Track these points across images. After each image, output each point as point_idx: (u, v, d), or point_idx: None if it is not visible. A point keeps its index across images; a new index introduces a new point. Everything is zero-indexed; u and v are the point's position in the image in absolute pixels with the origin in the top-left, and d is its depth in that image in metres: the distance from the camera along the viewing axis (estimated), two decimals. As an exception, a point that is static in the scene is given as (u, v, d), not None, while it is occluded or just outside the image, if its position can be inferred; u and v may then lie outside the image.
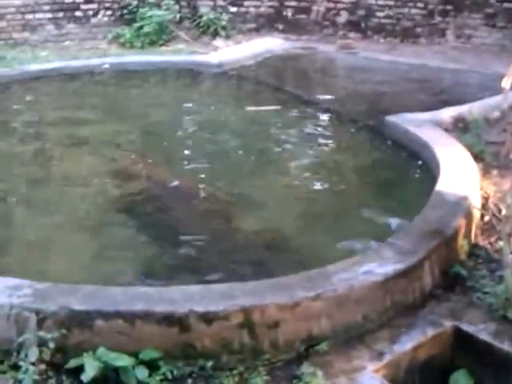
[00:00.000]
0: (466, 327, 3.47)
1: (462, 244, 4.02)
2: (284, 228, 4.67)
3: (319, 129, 6.93)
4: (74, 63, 9.21)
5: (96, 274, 4.02)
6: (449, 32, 10.53)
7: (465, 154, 5.14)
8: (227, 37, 11.18)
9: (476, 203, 4.39)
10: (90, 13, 11.16)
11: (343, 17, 11.31)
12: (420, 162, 5.53)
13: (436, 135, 5.73)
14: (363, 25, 11.16)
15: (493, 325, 3.49)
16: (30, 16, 10.77)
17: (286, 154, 6.17)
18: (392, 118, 6.34)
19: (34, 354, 3.06)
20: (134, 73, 8.95)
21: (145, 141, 6.51)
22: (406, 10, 10.84)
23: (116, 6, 11.26)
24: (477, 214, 4.36)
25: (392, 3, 10.92)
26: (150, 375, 3.08)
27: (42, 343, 3.09)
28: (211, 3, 11.57)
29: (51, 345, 3.08)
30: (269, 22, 11.60)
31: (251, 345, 3.22)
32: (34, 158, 6.16)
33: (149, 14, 10.88)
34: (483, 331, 3.43)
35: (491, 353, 3.35)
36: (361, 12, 11.19)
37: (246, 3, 11.64)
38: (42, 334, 3.10)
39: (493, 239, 4.28)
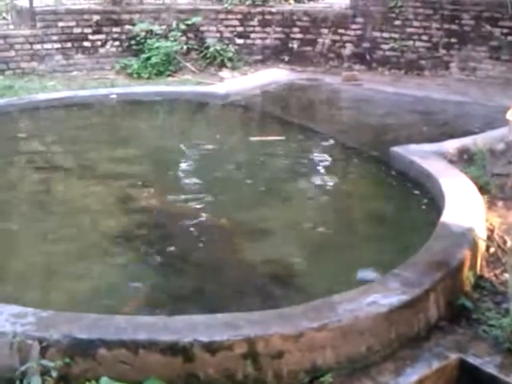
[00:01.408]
0: (471, 360, 3.43)
1: (468, 276, 4.01)
2: (289, 258, 4.66)
3: (324, 159, 6.95)
4: (82, 93, 9.30)
5: (99, 303, 4.01)
6: (453, 64, 10.61)
7: (470, 186, 5.15)
8: (233, 68, 11.29)
9: (481, 235, 4.38)
10: (98, 43, 11.29)
11: (348, 49, 11.42)
12: (425, 193, 5.53)
13: (441, 166, 5.74)
14: (368, 57, 11.27)
15: (498, 358, 3.46)
16: (38, 46, 10.89)
17: (290, 184, 6.19)
18: (397, 149, 6.36)
19: (36, 382, 3.03)
20: (140, 103, 9.02)
21: (150, 170, 6.54)
22: (410, 43, 10.94)
23: (124, 36, 11.38)
24: (482, 245, 4.35)
25: (397, 36, 11.03)
26: (153, 405, 3.06)
27: (44, 372, 3.07)
28: (218, 35, 11.70)
29: (54, 373, 3.05)
30: (275, 54, 11.72)
31: (255, 375, 3.20)
32: (39, 186, 6.18)
33: (156, 45, 11.00)
34: (489, 364, 3.40)
35: (497, 386, 3.32)
36: (366, 44, 11.31)
37: (252, 35, 11.77)
38: (45, 362, 3.08)
39: (498, 271, 4.26)
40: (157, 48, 10.95)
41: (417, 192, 5.65)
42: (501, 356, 3.47)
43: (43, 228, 5.24)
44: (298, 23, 11.66)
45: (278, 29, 11.72)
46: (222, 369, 3.16)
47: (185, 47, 11.40)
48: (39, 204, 5.75)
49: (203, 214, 5.46)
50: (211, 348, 3.14)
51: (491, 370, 3.36)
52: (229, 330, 3.21)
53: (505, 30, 10.11)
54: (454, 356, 3.46)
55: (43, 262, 4.63)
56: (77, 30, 11.16)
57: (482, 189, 5.26)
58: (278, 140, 7.43)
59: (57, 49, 11.01)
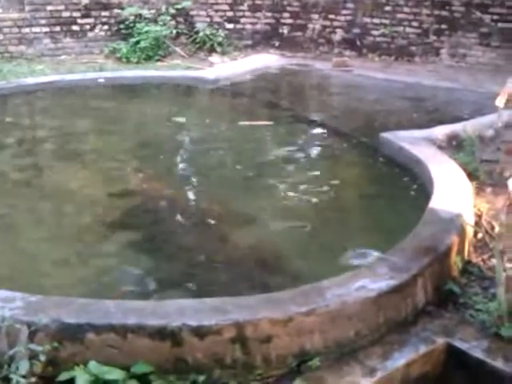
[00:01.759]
0: (458, 344, 3.46)
1: (455, 261, 4.03)
2: (278, 243, 4.67)
3: (313, 145, 6.95)
4: (70, 77, 9.25)
5: (88, 287, 4.01)
6: (443, 51, 10.61)
7: (459, 172, 5.16)
8: (223, 53, 11.25)
9: (469, 220, 4.41)
10: (87, 27, 11.22)
11: (339, 35, 11.40)
12: (414, 179, 5.55)
13: (430, 153, 5.75)
14: (358, 43, 11.25)
15: (485, 342, 3.48)
16: (26, 30, 10.82)
17: (279, 169, 6.19)
18: (386, 135, 6.37)
19: (24, 366, 3.04)
20: (129, 87, 8.98)
21: (139, 155, 6.52)
22: (400, 29, 10.93)
23: (113, 20, 11.31)
24: (470, 231, 4.37)
25: (387, 22, 11.01)
26: (141, 389, 3.07)
27: (33, 356, 3.07)
28: (208, 19, 11.64)
29: (42, 358, 3.05)
30: (265, 39, 11.68)
31: (243, 360, 3.21)
32: (28, 171, 6.16)
33: (145, 29, 10.94)
34: (476, 348, 3.42)
35: (484, 370, 3.35)
36: (356, 30, 11.28)
37: (242, 20, 11.72)
38: (33, 346, 3.08)
39: (486, 256, 4.29)
40: (146, 32, 10.89)
41: (406, 178, 5.66)
42: (488, 340, 3.49)
43: (30, 213, 5.22)
44: (289, 8, 11.61)
45: (268, 14, 11.68)
46: (210, 353, 3.17)
47: (174, 32, 11.35)
48: (26, 189, 5.72)
49: (192, 200, 5.46)
50: (200, 332, 3.15)
51: (478, 354, 3.39)
52: (217, 314, 3.22)
53: (495, 17, 10.11)
54: (441, 340, 3.49)
55: (31, 246, 4.62)
56: (65, 14, 11.08)
57: (471, 175, 5.28)
58: (267, 125, 7.41)
59: (45, 32, 10.94)
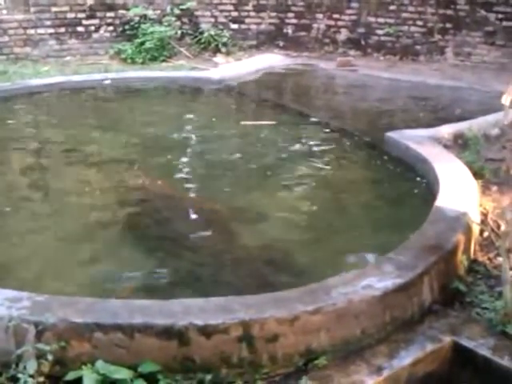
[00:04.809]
0: (465, 342, 3.45)
1: (461, 259, 4.02)
2: (284, 242, 4.67)
3: (318, 144, 6.94)
4: (75, 78, 9.27)
5: (95, 287, 4.02)
6: (448, 50, 10.60)
7: (464, 171, 5.16)
8: (228, 53, 11.26)
9: (475, 219, 4.40)
10: (92, 28, 11.25)
11: (343, 34, 11.40)
12: (419, 178, 5.55)
13: (436, 151, 5.74)
14: (363, 42, 11.25)
15: (492, 340, 3.48)
16: (31, 31, 10.85)
17: (284, 168, 6.19)
18: (392, 135, 6.36)
19: (32, 366, 3.05)
20: (134, 88, 8.99)
21: (145, 155, 6.53)
22: (405, 28, 10.93)
23: (118, 21, 11.34)
24: (476, 229, 4.37)
25: (392, 21, 11.00)
26: (148, 388, 3.08)
27: (40, 355, 3.08)
28: (212, 20, 11.66)
29: (50, 357, 3.07)
30: (269, 39, 11.69)
31: (250, 358, 3.21)
32: (34, 172, 6.18)
33: (150, 30, 10.97)
34: (482, 346, 3.42)
35: (490, 368, 3.34)
36: (361, 30, 11.28)
37: (246, 20, 11.74)
38: (40, 346, 3.09)
39: (492, 255, 4.28)
40: (151, 33, 10.91)
41: (411, 177, 5.66)
42: (494, 338, 3.49)
43: (36, 213, 5.23)
44: (293, 8, 11.62)
45: (273, 14, 11.69)
46: (217, 352, 3.17)
47: (179, 32, 11.36)
48: (31, 188, 5.74)
49: (198, 198, 5.47)
50: (206, 331, 3.15)
51: (485, 352, 3.38)
52: (224, 313, 3.23)
53: (500, 15, 10.11)
54: (447, 339, 3.48)
55: (36, 246, 4.63)
56: (70, 15, 11.11)
57: (477, 173, 5.27)
58: (271, 124, 7.41)
59: (50, 34, 10.97)
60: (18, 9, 10.87)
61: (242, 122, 7.53)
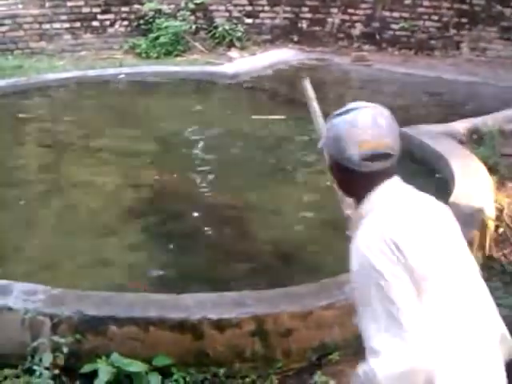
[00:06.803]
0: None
1: (477, 255, 3.99)
2: (298, 237, 4.67)
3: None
4: (90, 73, 9.30)
5: (110, 280, 4.05)
6: (463, 45, 10.52)
7: (480, 166, 5.13)
8: (242, 48, 11.24)
9: (491, 215, 4.38)
10: (107, 23, 11.27)
11: (358, 29, 11.34)
12: (434, 174, 5.52)
13: (451, 147, 5.72)
14: (378, 37, 11.18)
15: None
16: (47, 26, 10.89)
17: (299, 163, 6.18)
18: (406, 130, 6.32)
19: (48, 358, 3.08)
20: (149, 83, 9.01)
21: (159, 149, 6.55)
22: (420, 23, 10.85)
23: (132, 16, 11.35)
24: (491, 225, 4.35)
25: (407, 15, 10.93)
26: (162, 381, 3.10)
27: (56, 348, 3.11)
28: (227, 14, 11.64)
29: (65, 350, 3.10)
30: (284, 34, 11.65)
31: (263, 353, 3.23)
32: (49, 165, 6.22)
33: (165, 24, 10.97)
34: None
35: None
36: (375, 24, 11.22)
37: (261, 15, 11.71)
38: (56, 338, 3.12)
39: (507, 251, 4.27)
40: (165, 27, 10.91)
41: (426, 172, 5.63)
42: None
43: (51, 206, 5.27)
44: (308, 2, 11.57)
45: (287, 8, 11.64)
46: (230, 346, 3.19)
47: (193, 27, 11.36)
48: (47, 182, 5.77)
49: (211, 193, 5.48)
50: (220, 325, 3.17)
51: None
52: (237, 307, 3.24)
53: (516, 10, 10.03)
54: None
55: (52, 239, 4.66)
56: (85, 10, 11.13)
57: (492, 169, 5.25)
58: (283, 119, 7.40)
59: (66, 28, 11.01)
60: (34, 3, 10.91)
61: (254, 116, 7.52)
